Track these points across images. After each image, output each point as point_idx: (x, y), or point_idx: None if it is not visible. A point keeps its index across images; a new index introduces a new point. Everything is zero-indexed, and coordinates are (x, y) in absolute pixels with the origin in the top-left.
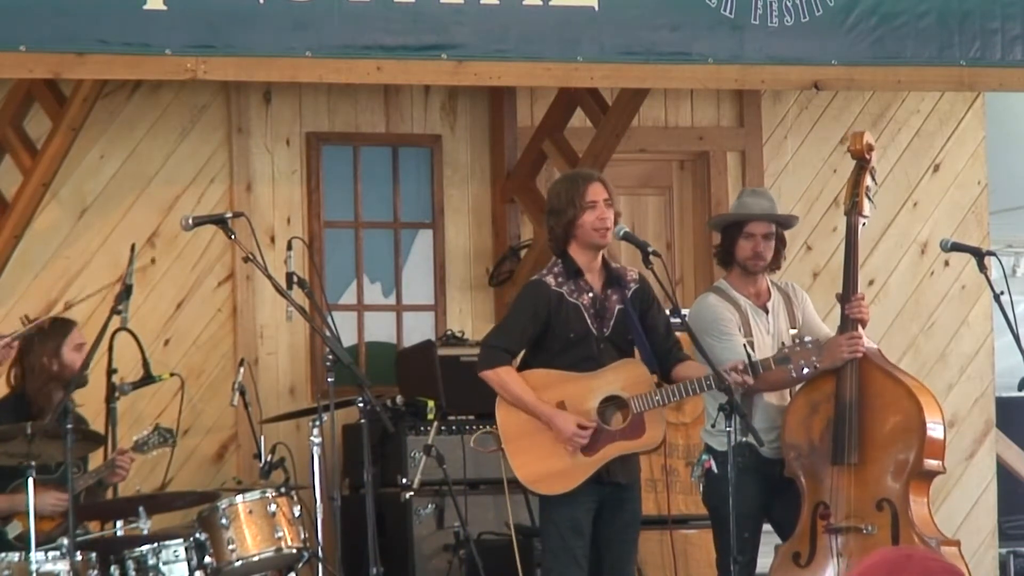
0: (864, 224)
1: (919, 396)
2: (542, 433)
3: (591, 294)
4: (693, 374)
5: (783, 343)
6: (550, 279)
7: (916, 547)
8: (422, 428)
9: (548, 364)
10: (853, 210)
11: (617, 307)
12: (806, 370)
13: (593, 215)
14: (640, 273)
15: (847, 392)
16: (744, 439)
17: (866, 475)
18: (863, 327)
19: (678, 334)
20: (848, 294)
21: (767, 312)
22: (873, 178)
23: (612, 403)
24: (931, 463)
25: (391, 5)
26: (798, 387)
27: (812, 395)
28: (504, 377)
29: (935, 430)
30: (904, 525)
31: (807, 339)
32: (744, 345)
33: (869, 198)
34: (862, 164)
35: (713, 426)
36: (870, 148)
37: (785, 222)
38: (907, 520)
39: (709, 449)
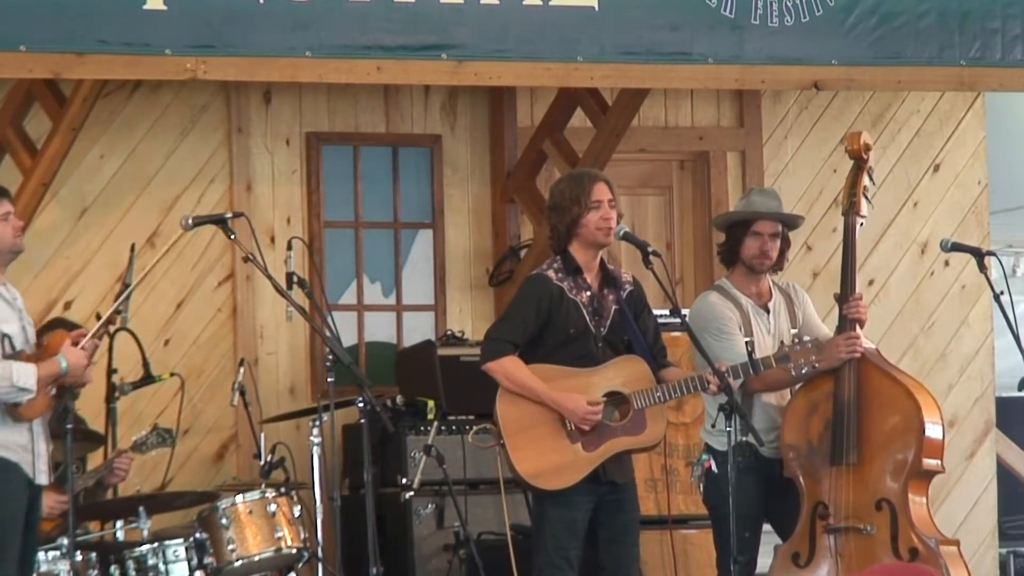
0: (862, 224)
1: (917, 396)
2: (543, 427)
3: (589, 293)
4: (679, 378)
5: (783, 342)
6: (551, 274)
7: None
8: (422, 428)
9: (545, 361)
10: (851, 210)
11: (613, 307)
12: (805, 369)
13: (597, 215)
14: (634, 276)
15: (845, 392)
16: (744, 439)
17: (865, 475)
18: (861, 327)
19: (677, 334)
20: (846, 294)
21: (768, 312)
22: (871, 178)
23: (613, 399)
24: (930, 463)
25: (391, 5)
26: (797, 387)
27: (811, 395)
28: (509, 367)
29: (934, 430)
30: (903, 525)
31: (807, 339)
32: (746, 343)
33: (867, 198)
34: (859, 164)
35: (713, 426)
36: (867, 148)
37: (792, 222)
38: (906, 520)
39: (709, 449)
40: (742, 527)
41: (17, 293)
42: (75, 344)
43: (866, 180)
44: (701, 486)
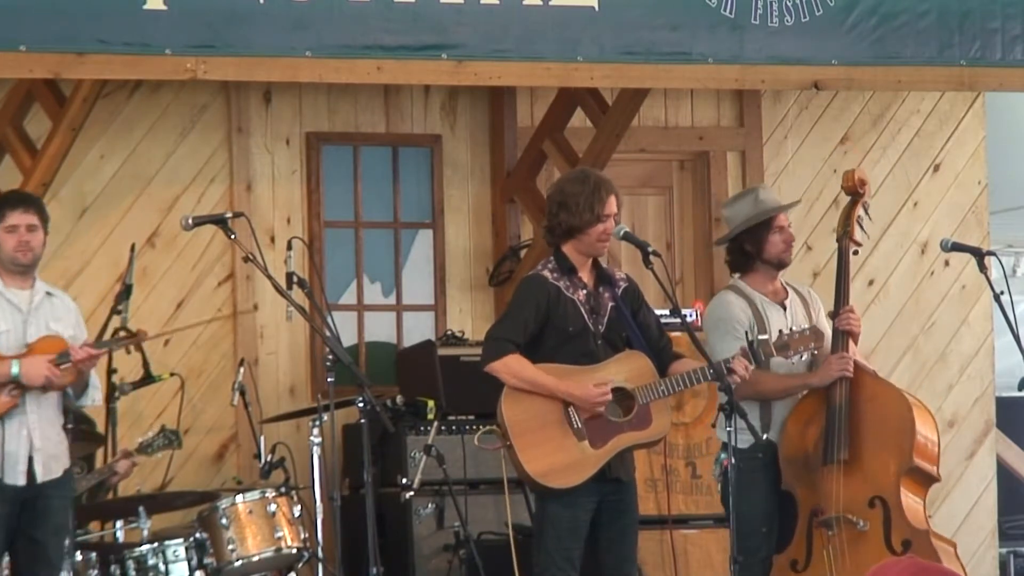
0: (856, 252)
1: (908, 399)
2: (550, 427)
3: (585, 291)
4: (690, 368)
5: (782, 330)
6: (546, 274)
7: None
8: (422, 428)
9: (546, 360)
10: (845, 236)
11: (610, 304)
12: (804, 356)
13: (602, 228)
14: (627, 274)
15: (837, 396)
16: (764, 436)
17: (857, 472)
18: (855, 341)
19: (677, 334)
20: (838, 309)
21: (784, 308)
22: (866, 211)
23: (617, 395)
24: (922, 463)
25: (391, 5)
26: (795, 404)
27: (807, 410)
28: (514, 364)
29: (925, 432)
30: (896, 519)
31: (805, 327)
32: (746, 333)
33: (862, 228)
34: (855, 198)
35: (713, 425)
36: (863, 183)
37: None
38: (900, 515)
39: (726, 447)
40: (760, 523)
41: (55, 301)
42: (56, 357)
43: (861, 211)
44: (719, 485)
